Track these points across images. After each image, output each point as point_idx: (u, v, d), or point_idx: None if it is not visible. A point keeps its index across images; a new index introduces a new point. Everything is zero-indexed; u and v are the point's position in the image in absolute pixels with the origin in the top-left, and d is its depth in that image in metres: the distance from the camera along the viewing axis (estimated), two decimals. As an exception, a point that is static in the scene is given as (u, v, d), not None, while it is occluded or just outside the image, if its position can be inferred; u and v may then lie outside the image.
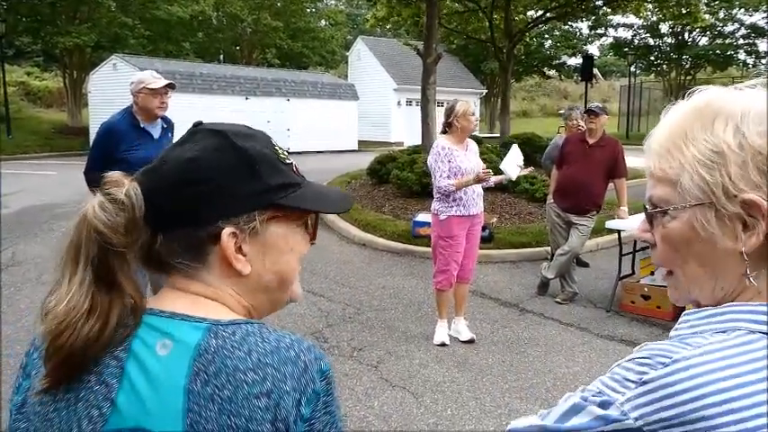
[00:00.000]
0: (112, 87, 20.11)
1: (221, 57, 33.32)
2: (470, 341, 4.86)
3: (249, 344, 0.81)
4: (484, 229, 7.86)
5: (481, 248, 7.57)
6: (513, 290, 6.36)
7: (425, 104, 10.67)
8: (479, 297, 6.15)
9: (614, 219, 5.90)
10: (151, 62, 22.06)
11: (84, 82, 24.03)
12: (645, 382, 0.71)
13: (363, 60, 29.73)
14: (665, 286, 4.18)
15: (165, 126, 4.11)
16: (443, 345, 4.80)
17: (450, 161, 4.58)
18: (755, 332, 0.72)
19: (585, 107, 5.83)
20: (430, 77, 10.55)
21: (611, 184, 5.89)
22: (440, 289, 4.85)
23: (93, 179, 3.60)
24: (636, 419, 0.70)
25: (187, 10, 25.95)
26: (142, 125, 3.99)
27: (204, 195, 0.84)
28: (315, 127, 24.31)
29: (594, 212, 5.77)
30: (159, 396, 0.77)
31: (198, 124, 0.94)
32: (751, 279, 0.75)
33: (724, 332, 0.74)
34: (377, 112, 28.46)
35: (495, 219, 8.63)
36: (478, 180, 4.57)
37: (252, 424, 0.77)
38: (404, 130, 27.41)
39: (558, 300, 5.90)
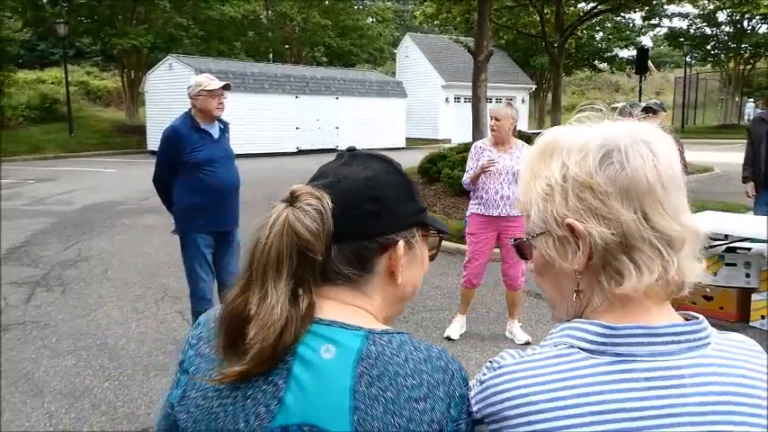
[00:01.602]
0: (168, 87, 20.68)
1: (271, 56, 33.83)
2: (527, 343, 4.86)
3: (405, 351, 0.89)
4: (537, 227, 7.85)
5: (535, 247, 7.58)
6: (568, 289, 6.30)
7: (476, 102, 10.62)
8: (533, 297, 6.10)
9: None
10: (204, 62, 22.58)
11: (141, 82, 24.79)
12: (481, 383, 0.87)
13: (411, 57, 29.72)
14: (727, 287, 4.04)
15: (221, 127, 4.21)
16: (449, 339, 4.89)
17: (478, 160, 4.69)
18: (574, 347, 0.82)
19: (641, 103, 5.71)
20: (481, 75, 10.49)
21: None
22: (463, 285, 4.98)
23: (164, 186, 3.72)
24: (476, 413, 0.87)
25: (239, 9, 26.44)
26: (203, 126, 4.10)
27: (384, 210, 0.95)
28: (363, 125, 24.46)
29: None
30: (326, 395, 0.85)
31: (352, 149, 1.03)
32: (578, 295, 0.86)
33: (555, 345, 0.84)
34: (425, 110, 28.45)
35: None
36: (483, 170, 4.60)
37: (411, 424, 0.84)
38: (452, 127, 27.33)
39: (614, 300, 5.81)
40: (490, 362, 0.89)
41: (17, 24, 23.89)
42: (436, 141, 25.66)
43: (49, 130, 23.88)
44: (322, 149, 23.44)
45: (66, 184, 14.11)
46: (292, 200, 0.91)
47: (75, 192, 13.10)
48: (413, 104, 27.50)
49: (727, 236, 5.59)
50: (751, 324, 5.16)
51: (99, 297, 6.02)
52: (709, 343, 0.82)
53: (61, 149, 22.19)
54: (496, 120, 4.64)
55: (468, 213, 4.91)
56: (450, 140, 24.68)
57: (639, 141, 0.83)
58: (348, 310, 0.93)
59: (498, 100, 30.30)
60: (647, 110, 5.56)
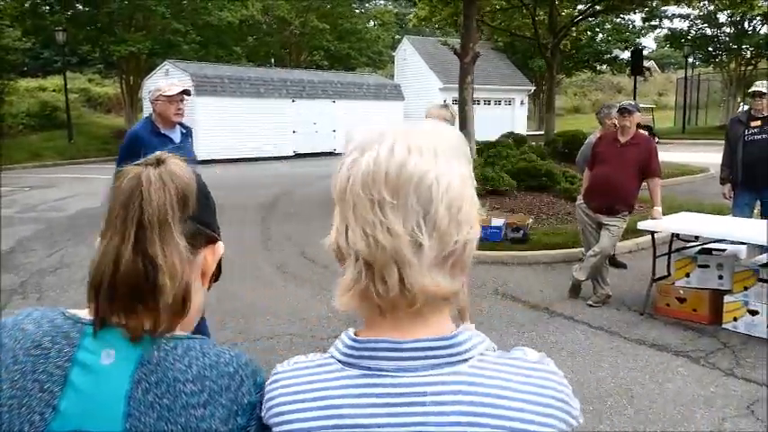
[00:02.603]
0: (165, 93, 20.71)
1: (272, 60, 33.90)
2: None
3: (191, 357, 0.87)
4: (518, 230, 7.80)
5: (515, 250, 7.54)
6: (544, 292, 6.25)
7: (463, 105, 10.59)
8: (509, 300, 6.07)
9: (648, 219, 5.72)
10: (201, 67, 22.67)
11: (140, 88, 24.88)
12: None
13: (409, 60, 29.72)
14: (700, 288, 4.08)
15: (183, 131, 4.23)
16: None
17: None
18: (332, 356, 0.83)
19: (620, 106, 5.67)
20: (467, 77, 10.47)
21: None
22: None
23: None
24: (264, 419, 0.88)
25: (236, 15, 26.52)
26: (163, 131, 4.11)
27: (212, 206, 1.03)
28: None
29: (626, 213, 5.62)
30: (103, 402, 0.84)
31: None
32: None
33: (328, 352, 0.85)
34: (423, 112, 28.34)
35: (531, 219, 8.49)
36: None
37: None
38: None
39: (589, 302, 5.77)
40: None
41: (17, 33, 23.97)
42: (435, 144, 25.57)
43: (49, 138, 23.99)
44: (319, 153, 23.47)
45: (62, 191, 14.14)
46: (158, 163, 0.94)
47: (68, 198, 13.13)
48: (411, 107, 27.45)
49: (697, 237, 5.57)
50: (723, 326, 5.12)
51: (74, 304, 5.89)
52: (465, 359, 0.79)
53: (60, 156, 22.30)
54: (428, 119, 4.61)
55: None
56: None
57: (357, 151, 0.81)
58: None
59: (497, 102, 30.27)
60: (622, 110, 5.51)
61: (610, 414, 3.77)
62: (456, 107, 12.76)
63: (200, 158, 20.99)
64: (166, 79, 21.31)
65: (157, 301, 0.88)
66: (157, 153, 0.99)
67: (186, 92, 4.16)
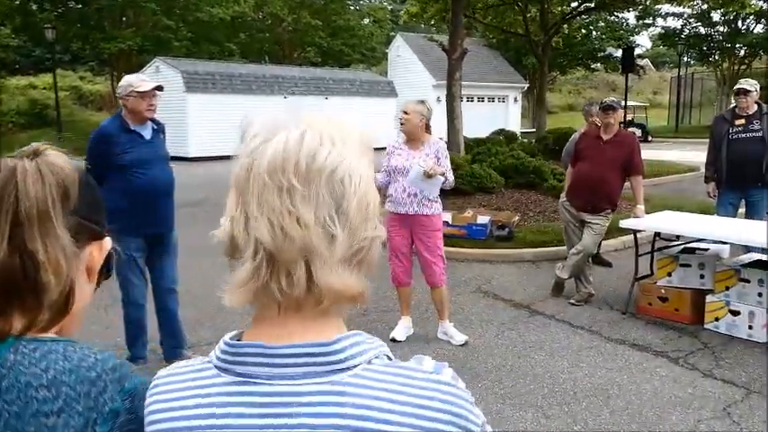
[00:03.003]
0: (156, 90, 20.58)
1: (266, 57, 33.75)
2: (465, 344, 4.74)
3: (49, 361, 0.82)
4: (504, 227, 7.73)
5: (499, 247, 7.47)
6: (527, 291, 6.19)
7: (451, 101, 10.51)
8: (491, 298, 6.00)
9: (630, 218, 5.66)
10: (191, 63, 22.54)
11: (130, 85, 24.69)
12: None
13: (402, 56, 29.62)
14: (683, 288, 4.02)
15: (155, 127, 4.10)
16: (394, 341, 4.77)
17: (389, 159, 4.66)
18: (210, 361, 0.77)
19: (603, 102, 5.59)
20: (455, 74, 10.39)
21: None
22: (392, 283, 4.91)
23: None
24: None
25: (228, 11, 26.37)
26: (132, 127, 3.98)
27: (100, 202, 0.99)
28: (353, 125, 24.34)
29: (609, 211, 5.55)
30: None
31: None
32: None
33: (208, 360, 0.78)
34: (417, 109, 28.28)
35: (517, 217, 8.42)
36: None
37: None
38: (443, 126, 27.17)
39: (572, 301, 5.70)
40: None
41: (6, 31, 23.79)
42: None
43: (39, 136, 23.78)
44: (312, 151, 23.39)
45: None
46: (35, 154, 0.88)
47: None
48: (404, 104, 27.40)
49: (678, 236, 5.51)
50: (705, 326, 5.06)
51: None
52: (347, 368, 0.72)
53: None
54: (404, 113, 4.60)
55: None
56: (442, 139, 24.54)
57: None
58: None
59: (491, 99, 30.21)
60: (605, 107, 5.44)
61: (585, 416, 3.70)
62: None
63: (191, 156, 20.98)
64: (157, 77, 21.24)
65: (40, 299, 0.83)
66: (34, 144, 0.92)
67: (159, 87, 4.06)
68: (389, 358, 0.77)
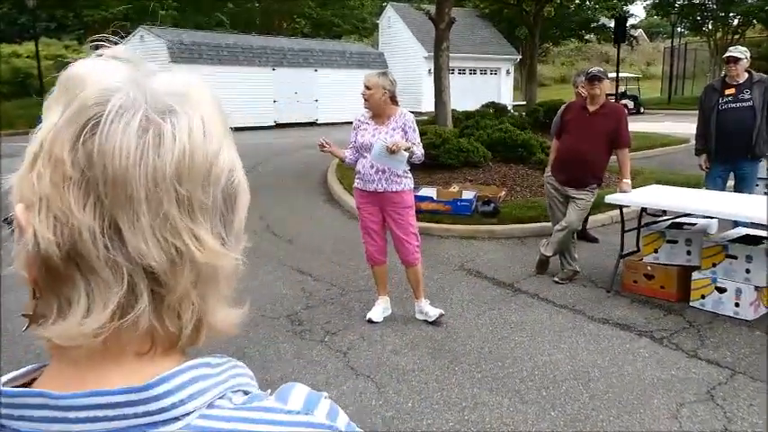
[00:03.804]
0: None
1: (257, 27, 33.09)
2: (440, 316, 4.63)
3: None
4: (489, 203, 7.55)
5: (485, 224, 7.30)
6: (511, 268, 6.03)
7: (438, 72, 10.23)
8: (474, 276, 5.85)
9: (616, 192, 5.49)
10: (177, 33, 22.05)
11: (115, 55, 24.18)
12: None
13: (393, 28, 29.12)
14: (669, 265, 3.82)
15: None
16: (371, 321, 4.66)
17: (356, 134, 4.51)
18: None
19: (588, 72, 5.36)
20: (442, 44, 10.09)
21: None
22: (367, 262, 4.84)
23: None
24: None
25: (215, -21, 25.75)
26: None
27: None
28: (343, 97, 23.92)
29: (595, 186, 5.38)
30: None
31: None
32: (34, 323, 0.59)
33: None
34: (407, 81, 27.89)
35: (504, 192, 8.24)
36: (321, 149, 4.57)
37: None
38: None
39: (556, 279, 5.56)
40: None
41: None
42: (420, 114, 25.15)
43: (23, 105, 23.36)
44: (301, 123, 23.05)
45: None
46: None
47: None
48: (395, 76, 26.96)
49: (665, 211, 5.34)
50: (691, 303, 4.92)
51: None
52: (174, 418, 0.52)
53: (33, 125, 21.74)
54: (367, 88, 4.37)
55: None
56: (433, 113, 24.23)
57: (147, 107, 0.53)
58: None
59: (483, 72, 29.80)
60: (591, 77, 5.22)
61: (563, 400, 3.57)
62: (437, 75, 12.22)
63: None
64: (141, 46, 20.76)
65: None
66: None
67: None
68: (246, 393, 0.57)
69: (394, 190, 4.43)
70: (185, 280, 0.54)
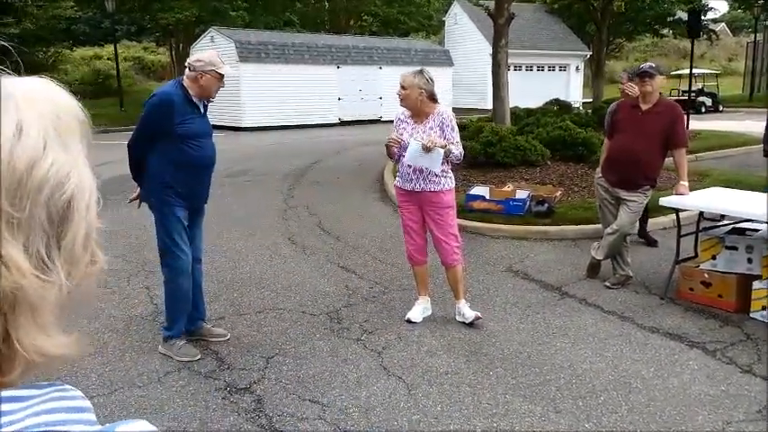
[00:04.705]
0: (210, 60, 20.74)
1: (326, 26, 33.49)
2: (476, 319, 4.52)
3: None
4: (543, 203, 7.35)
5: (537, 224, 7.10)
6: (561, 271, 5.84)
7: (496, 69, 10.05)
8: (520, 278, 5.70)
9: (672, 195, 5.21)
10: (245, 33, 22.59)
11: (188, 55, 25.06)
12: None
13: (460, 24, 28.86)
14: (728, 273, 3.59)
15: (204, 103, 4.09)
16: (410, 321, 4.58)
17: (396, 131, 4.43)
18: None
19: (639, 69, 5.10)
20: (501, 40, 9.90)
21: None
22: (408, 261, 4.80)
23: (141, 152, 3.62)
24: None
25: (283, -20, 26.21)
26: (194, 100, 3.97)
27: None
28: (407, 94, 23.94)
29: (648, 187, 5.13)
30: None
31: None
32: None
33: None
34: (473, 78, 27.62)
35: (560, 192, 8.00)
36: (386, 147, 4.44)
37: None
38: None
39: (607, 284, 5.34)
40: None
41: (69, 2, 24.37)
42: (485, 111, 24.82)
43: (102, 105, 24.53)
44: (365, 120, 23.19)
45: (101, 157, 14.34)
46: None
47: (106, 165, 13.30)
48: (461, 73, 26.74)
49: (723, 216, 5.03)
50: (751, 315, 4.62)
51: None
52: None
53: (111, 123, 22.78)
54: (402, 88, 4.30)
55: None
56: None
57: None
58: None
59: (551, 68, 29.12)
60: (641, 74, 4.98)
61: (600, 412, 3.41)
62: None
63: (244, 125, 21.14)
64: (212, 46, 21.38)
65: None
66: None
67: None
68: None
69: (432, 190, 4.37)
70: None
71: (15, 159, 0.49)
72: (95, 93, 25.65)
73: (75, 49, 29.33)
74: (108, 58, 29.63)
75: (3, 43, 0.62)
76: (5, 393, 0.51)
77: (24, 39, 20.09)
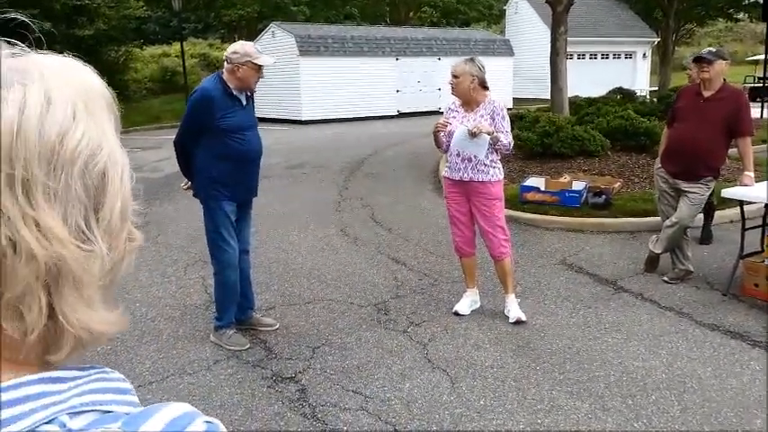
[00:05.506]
0: (272, 54, 21.09)
1: (387, 19, 33.54)
2: (517, 322, 4.39)
3: None
4: (600, 194, 7.13)
5: (595, 216, 6.90)
6: (616, 265, 5.66)
7: (554, 58, 9.80)
8: (574, 272, 5.55)
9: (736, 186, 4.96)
10: (305, 28, 22.84)
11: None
12: None
13: (521, 13, 28.30)
14: None
15: (248, 94, 4.10)
16: (457, 314, 4.54)
17: (446, 120, 4.37)
18: None
19: (697, 54, 4.85)
20: (560, 27, 9.64)
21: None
22: (455, 253, 4.77)
23: (186, 148, 3.67)
24: None
25: (343, -26, 26.38)
26: (234, 93, 3.99)
27: None
28: (466, 86, 23.69)
29: (710, 178, 4.89)
30: None
31: None
32: None
33: None
34: (535, 68, 27.04)
35: (619, 183, 7.74)
36: (433, 133, 4.38)
37: None
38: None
39: (665, 278, 5.14)
40: None
41: (139, 2, 25.26)
42: (547, 100, 24.37)
43: (169, 101, 25.37)
44: (423, 112, 23.08)
45: (165, 152, 14.83)
46: None
47: (167, 160, 13.74)
48: (522, 63, 26.24)
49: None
50: (821, 313, 4.35)
51: (141, 261, 6.20)
52: None
53: (178, 118, 23.53)
54: (454, 77, 4.23)
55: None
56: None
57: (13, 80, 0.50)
58: None
59: (616, 56, 28.19)
60: (700, 59, 4.74)
61: (650, 411, 3.29)
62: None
63: (303, 119, 21.41)
64: (273, 41, 21.75)
65: None
66: None
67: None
68: (106, 412, 0.51)
69: (480, 180, 4.30)
70: (25, 274, 0.47)
71: (47, 128, 0.49)
72: (163, 89, 26.53)
73: (144, 47, 30.44)
74: (175, 56, 30.54)
75: (23, 18, 0.61)
76: (50, 374, 0.51)
77: (97, 39, 20.97)
